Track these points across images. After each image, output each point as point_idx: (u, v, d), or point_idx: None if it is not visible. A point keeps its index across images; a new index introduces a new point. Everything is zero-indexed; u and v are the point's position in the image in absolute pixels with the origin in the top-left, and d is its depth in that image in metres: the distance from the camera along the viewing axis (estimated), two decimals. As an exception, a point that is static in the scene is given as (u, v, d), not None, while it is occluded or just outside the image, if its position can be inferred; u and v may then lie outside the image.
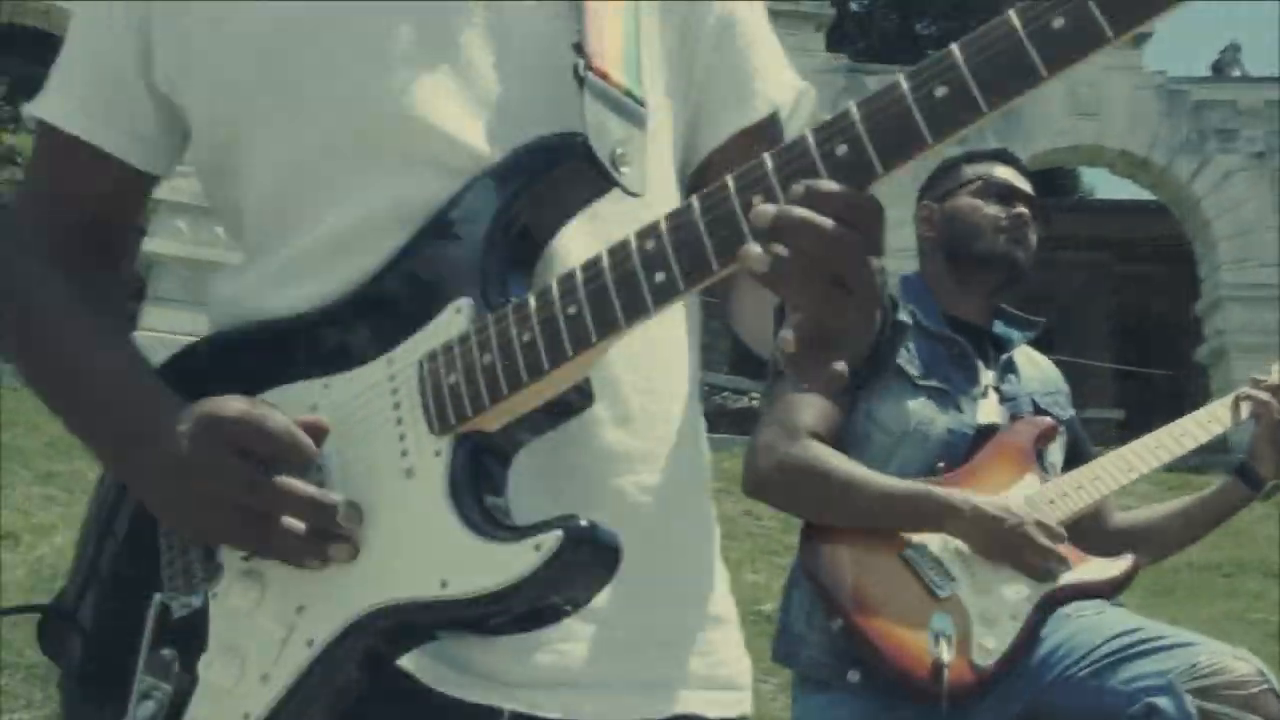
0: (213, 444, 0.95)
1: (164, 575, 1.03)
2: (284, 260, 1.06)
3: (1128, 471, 2.37)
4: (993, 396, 2.43)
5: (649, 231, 0.88)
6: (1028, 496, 2.30)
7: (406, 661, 0.97)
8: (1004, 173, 2.54)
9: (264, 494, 0.94)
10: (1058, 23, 0.77)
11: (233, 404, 0.96)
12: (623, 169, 0.99)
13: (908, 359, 2.35)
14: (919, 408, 2.33)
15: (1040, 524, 2.20)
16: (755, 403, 18.78)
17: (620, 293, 0.88)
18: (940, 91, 0.80)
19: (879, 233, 0.82)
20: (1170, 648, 2.04)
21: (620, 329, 0.89)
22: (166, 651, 1.00)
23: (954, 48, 0.81)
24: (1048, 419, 2.43)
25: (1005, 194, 2.51)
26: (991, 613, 2.15)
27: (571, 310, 0.90)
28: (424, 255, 1.00)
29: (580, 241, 1.02)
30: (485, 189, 0.99)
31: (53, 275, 1.11)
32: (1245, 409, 2.39)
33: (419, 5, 1.07)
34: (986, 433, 2.37)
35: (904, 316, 2.37)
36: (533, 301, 0.92)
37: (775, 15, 1.33)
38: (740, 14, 1.20)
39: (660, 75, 1.12)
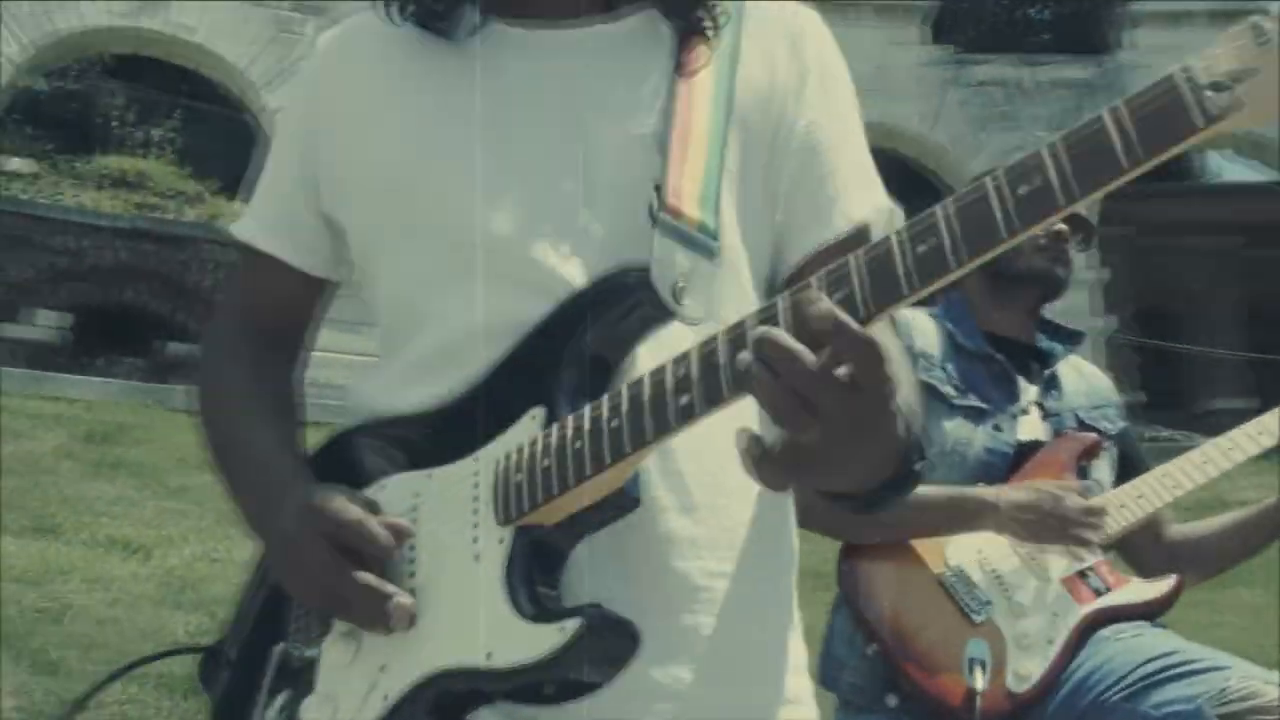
0: (311, 530, 1.12)
1: (290, 628, 1.20)
2: (405, 364, 1.22)
3: (1173, 489, 2.33)
4: (1035, 413, 2.42)
5: (683, 357, 0.98)
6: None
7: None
8: None
9: (336, 578, 1.10)
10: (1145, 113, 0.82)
11: (333, 500, 1.13)
12: (684, 300, 1.10)
13: (943, 379, 2.35)
14: (955, 428, 2.33)
15: (1079, 505, 2.17)
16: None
17: (651, 411, 0.99)
18: (1023, 189, 0.85)
19: (870, 370, 0.86)
20: (1202, 672, 2.01)
21: (649, 443, 1.00)
22: (282, 695, 1.17)
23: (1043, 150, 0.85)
24: (1090, 435, 2.40)
25: None
26: (1028, 638, 2.15)
27: (614, 424, 1.02)
28: (514, 368, 1.14)
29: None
30: (567, 313, 1.12)
31: (235, 366, 1.33)
32: None
33: (519, 141, 1.19)
34: (1027, 450, 2.36)
35: (938, 337, 2.37)
36: (588, 414, 1.05)
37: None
38: (824, 137, 1.25)
39: (743, 196, 1.21)
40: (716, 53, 1.22)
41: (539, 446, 1.07)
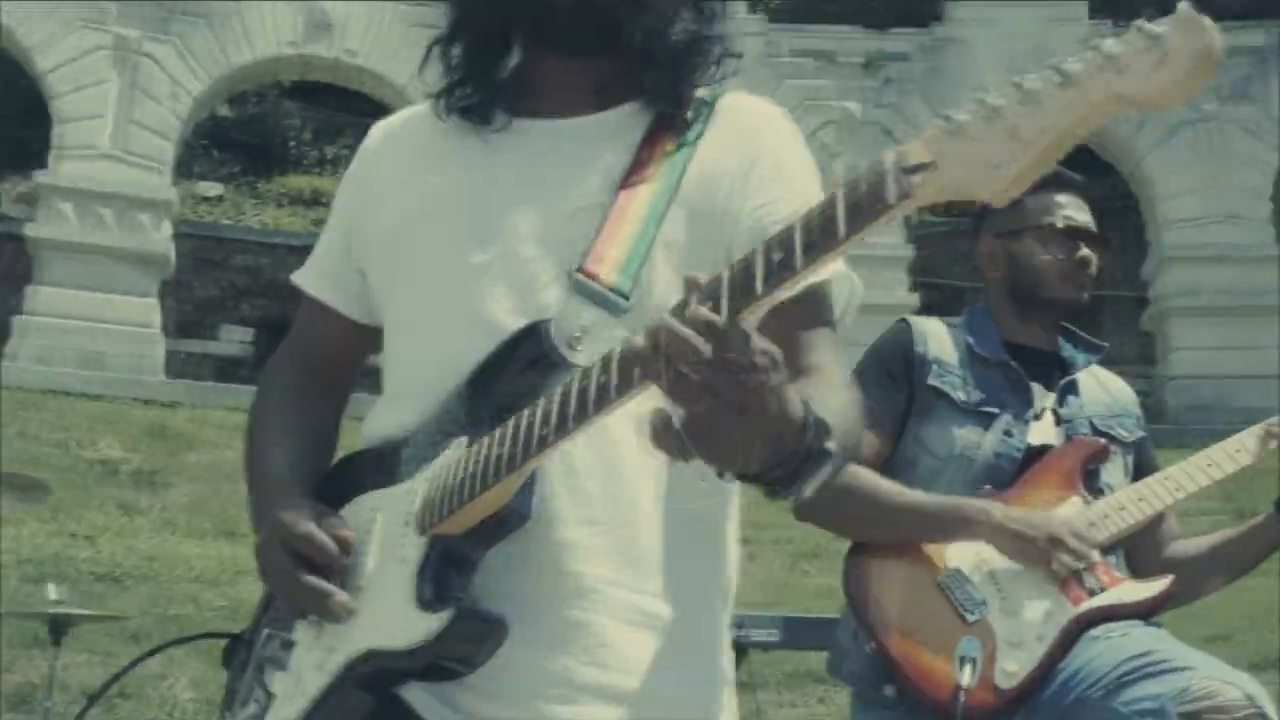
0: (275, 539, 1.36)
1: (276, 617, 1.44)
2: (386, 396, 1.47)
3: (1175, 491, 2.39)
4: (1048, 419, 2.48)
5: (556, 392, 1.19)
6: (1072, 516, 2.35)
7: (423, 707, 1.33)
8: (1067, 212, 2.54)
9: (290, 578, 1.35)
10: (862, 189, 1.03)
11: (292, 514, 1.36)
12: (579, 349, 1.30)
13: (956, 385, 2.44)
14: (965, 433, 2.41)
15: (1073, 530, 2.26)
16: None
17: (520, 440, 1.21)
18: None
19: (742, 352, 1.02)
20: (1170, 671, 2.08)
21: (522, 464, 1.22)
22: (265, 671, 1.41)
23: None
24: (1099, 440, 2.46)
25: (1068, 237, 2.52)
26: (1018, 636, 2.23)
27: (500, 450, 1.24)
28: (454, 402, 1.35)
29: None
30: (493, 357, 1.34)
31: (275, 396, 1.57)
32: (1272, 441, 2.40)
33: (494, 211, 1.41)
34: (1037, 454, 2.42)
35: (953, 346, 2.47)
36: (485, 441, 1.26)
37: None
38: (777, 214, 1.35)
39: (688, 264, 1.33)
40: (678, 141, 1.41)
41: (454, 468, 1.29)
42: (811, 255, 1.04)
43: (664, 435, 1.05)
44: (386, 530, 1.35)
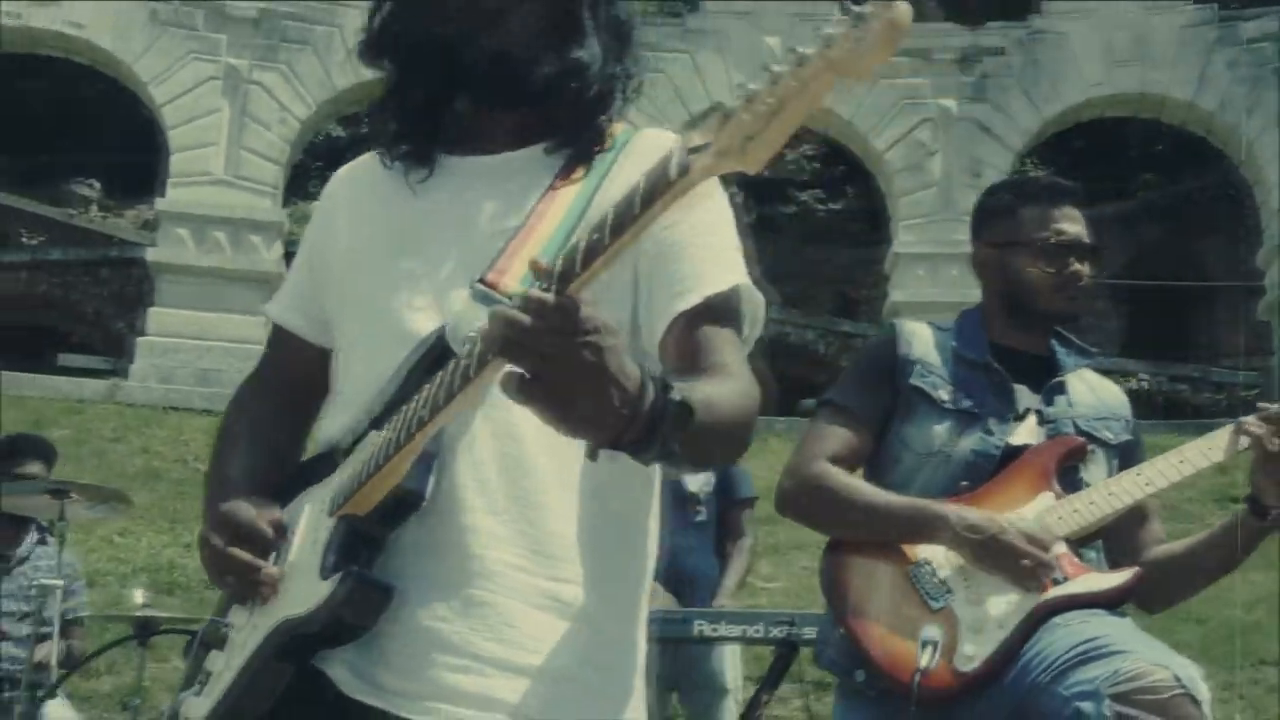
0: (214, 528, 1.55)
1: (224, 605, 1.62)
2: (333, 405, 1.65)
3: (1145, 486, 2.43)
4: (1031, 419, 2.54)
5: (443, 373, 1.36)
6: (1040, 512, 2.41)
7: (342, 681, 1.47)
8: (1059, 226, 2.59)
9: (225, 559, 1.53)
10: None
11: (230, 504, 1.55)
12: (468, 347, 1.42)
13: (938, 385, 2.52)
14: (944, 431, 2.49)
15: (1024, 533, 2.33)
16: (1145, 384, 17.87)
17: (405, 422, 1.39)
18: None
19: (567, 323, 1.16)
20: (1110, 655, 2.13)
21: (404, 444, 1.39)
22: (207, 653, 1.59)
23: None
24: (1077, 439, 2.51)
25: (1060, 251, 2.57)
26: (980, 622, 2.31)
27: (390, 434, 1.42)
28: (378, 401, 1.52)
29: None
30: (405, 364, 1.51)
31: (239, 413, 1.75)
32: (1243, 440, 2.41)
33: (424, 238, 1.59)
34: (1016, 453, 2.49)
35: (936, 348, 2.57)
36: (384, 431, 1.44)
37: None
38: (680, 235, 1.52)
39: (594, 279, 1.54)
40: (592, 171, 1.57)
41: (361, 457, 1.48)
42: (619, 232, 1.20)
43: (513, 392, 1.20)
44: (311, 519, 1.53)
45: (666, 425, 1.24)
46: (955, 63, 18.80)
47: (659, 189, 1.18)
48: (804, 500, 2.52)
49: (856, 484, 2.49)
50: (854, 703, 2.47)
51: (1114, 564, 2.51)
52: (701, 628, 4.12)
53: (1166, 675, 2.08)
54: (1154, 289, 20.30)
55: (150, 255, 18.03)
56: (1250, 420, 2.42)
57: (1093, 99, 18.75)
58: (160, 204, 18.27)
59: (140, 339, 17.29)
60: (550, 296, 1.17)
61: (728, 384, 1.41)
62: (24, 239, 20.16)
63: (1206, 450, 2.46)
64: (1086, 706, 2.09)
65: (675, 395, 1.24)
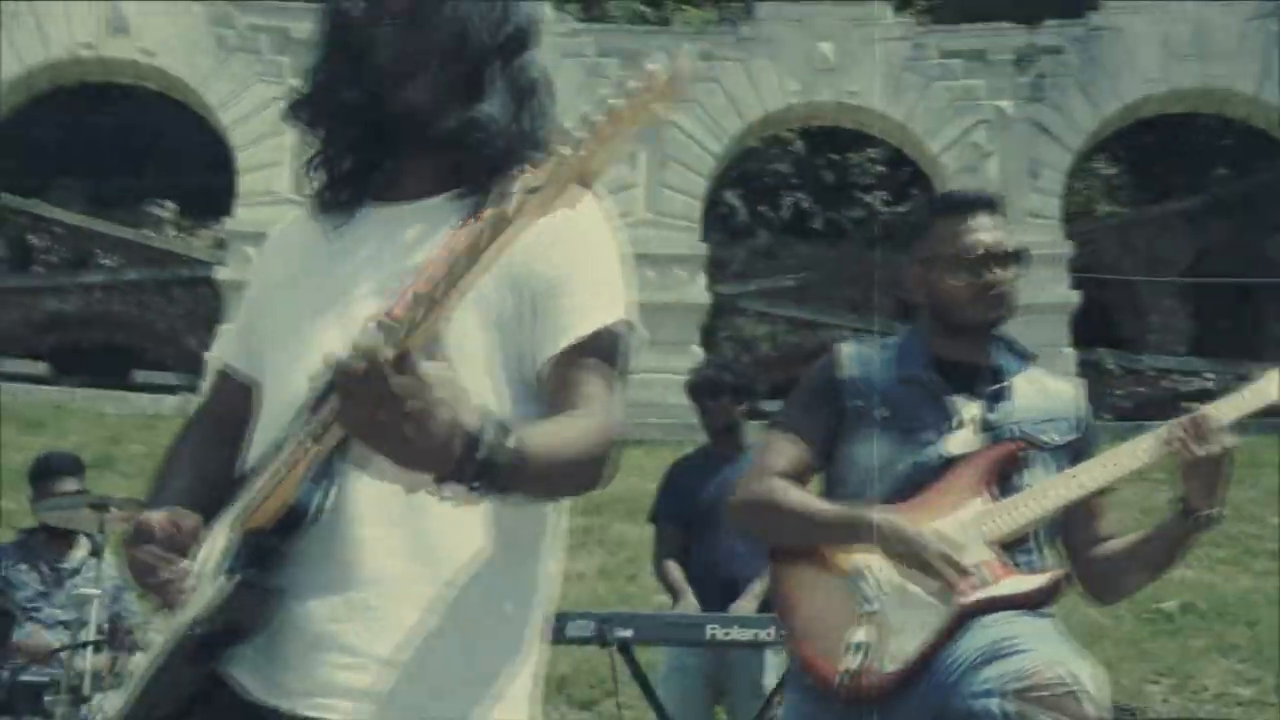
0: (134, 534, 1.70)
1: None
2: (257, 429, 1.77)
3: (1077, 489, 2.52)
4: (970, 428, 2.61)
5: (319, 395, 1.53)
6: (970, 517, 2.51)
7: (249, 684, 1.63)
8: (974, 237, 2.66)
9: (145, 557, 1.68)
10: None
11: (145, 514, 1.71)
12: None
13: (875, 404, 2.62)
14: (882, 447, 2.59)
15: (939, 551, 2.44)
16: (1210, 383, 17.53)
17: (295, 452, 1.56)
18: None
19: (378, 382, 1.34)
20: (1011, 654, 2.24)
21: (301, 461, 1.54)
22: (133, 658, 1.84)
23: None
24: (1009, 445, 2.59)
25: (979, 261, 2.64)
26: (907, 625, 2.42)
27: (285, 455, 1.57)
28: (293, 425, 1.62)
29: None
30: (313, 390, 1.59)
31: (185, 444, 1.91)
32: (1168, 446, 2.50)
33: (340, 277, 1.76)
34: (954, 463, 2.58)
35: (866, 367, 2.69)
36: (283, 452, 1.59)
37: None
38: (566, 274, 1.69)
39: (484, 312, 1.68)
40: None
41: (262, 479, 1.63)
42: (454, 278, 1.39)
43: (348, 429, 1.42)
44: (218, 534, 1.68)
45: (500, 470, 1.42)
46: (1012, 63, 18.70)
47: (498, 228, 1.36)
48: (749, 513, 2.68)
49: (796, 496, 2.61)
50: (800, 695, 2.60)
51: (1070, 559, 2.60)
52: (714, 631, 4.25)
53: (1061, 673, 2.18)
54: (1222, 286, 19.97)
55: (220, 274, 18.53)
56: (1175, 424, 2.51)
57: (1151, 95, 18.55)
58: (230, 224, 18.77)
59: (209, 355, 17.77)
60: (380, 350, 1.35)
61: (580, 422, 1.59)
62: (101, 260, 20.80)
63: (1135, 453, 2.55)
64: (989, 704, 2.20)
65: (510, 442, 1.42)
